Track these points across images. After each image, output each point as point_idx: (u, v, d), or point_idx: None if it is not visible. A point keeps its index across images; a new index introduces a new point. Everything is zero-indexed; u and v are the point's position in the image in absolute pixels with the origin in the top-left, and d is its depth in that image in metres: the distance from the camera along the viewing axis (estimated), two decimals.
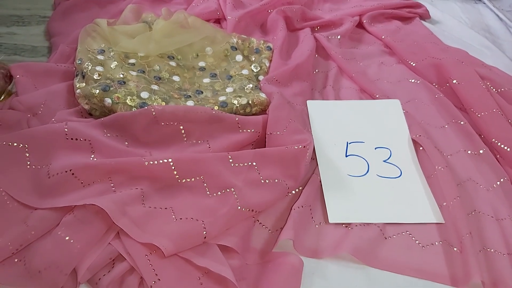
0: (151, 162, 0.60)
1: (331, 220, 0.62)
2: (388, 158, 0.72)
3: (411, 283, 0.56)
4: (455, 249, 0.59)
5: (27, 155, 0.61)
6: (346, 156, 0.72)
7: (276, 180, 0.63)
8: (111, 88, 0.69)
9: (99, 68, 0.73)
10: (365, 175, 0.69)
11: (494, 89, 0.81)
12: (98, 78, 0.72)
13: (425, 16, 1.07)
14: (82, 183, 0.59)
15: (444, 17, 1.08)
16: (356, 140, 0.74)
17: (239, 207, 0.58)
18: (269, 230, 0.61)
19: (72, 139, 0.62)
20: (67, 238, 0.53)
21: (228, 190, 0.60)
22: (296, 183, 0.64)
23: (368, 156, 0.71)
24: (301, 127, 0.69)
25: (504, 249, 0.59)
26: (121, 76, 0.72)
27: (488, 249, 0.59)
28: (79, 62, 0.75)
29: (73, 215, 0.55)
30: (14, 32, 0.96)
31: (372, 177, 0.68)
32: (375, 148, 0.73)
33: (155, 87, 0.73)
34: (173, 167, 0.60)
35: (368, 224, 0.61)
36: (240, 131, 0.68)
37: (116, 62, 0.75)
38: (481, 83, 0.80)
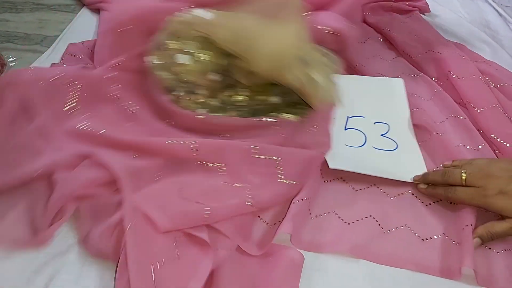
0: (174, 142, 0.61)
1: (331, 166, 0.63)
2: (386, 132, 0.73)
3: (412, 277, 0.56)
4: (454, 242, 0.59)
5: None
6: (345, 129, 0.73)
7: (289, 182, 0.62)
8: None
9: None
10: (361, 147, 0.70)
11: (493, 84, 0.80)
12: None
13: (424, 9, 1.06)
14: None
15: (444, 11, 1.07)
16: (356, 115, 0.75)
17: (247, 203, 0.58)
18: (267, 223, 0.60)
19: None
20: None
21: (243, 184, 0.60)
22: (301, 185, 0.62)
23: (366, 130, 0.73)
24: (324, 130, 0.69)
25: (498, 247, 0.59)
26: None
27: (484, 246, 0.58)
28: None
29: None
30: (6, 19, 0.95)
31: (368, 149, 0.70)
32: (374, 123, 0.74)
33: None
34: (196, 150, 0.61)
35: (366, 218, 0.61)
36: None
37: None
38: (481, 78, 0.79)
